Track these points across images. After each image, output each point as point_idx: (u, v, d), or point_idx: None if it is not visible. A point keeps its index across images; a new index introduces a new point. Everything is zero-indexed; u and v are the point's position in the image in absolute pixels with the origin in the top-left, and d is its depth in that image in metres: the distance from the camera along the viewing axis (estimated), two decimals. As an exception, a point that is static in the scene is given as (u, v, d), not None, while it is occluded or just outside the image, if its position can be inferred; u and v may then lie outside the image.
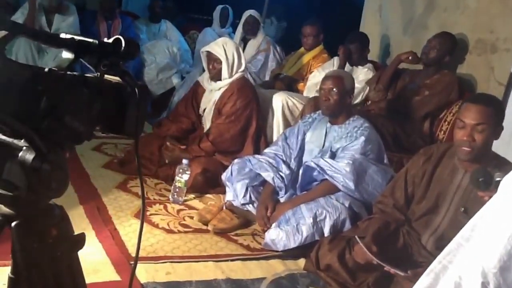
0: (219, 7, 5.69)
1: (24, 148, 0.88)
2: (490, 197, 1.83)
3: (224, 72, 3.60)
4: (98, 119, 0.98)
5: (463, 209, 2.24)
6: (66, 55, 0.94)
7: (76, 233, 1.05)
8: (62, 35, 0.95)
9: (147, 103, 1.05)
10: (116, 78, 1.00)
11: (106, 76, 0.99)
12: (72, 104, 0.92)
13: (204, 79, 3.79)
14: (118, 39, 0.96)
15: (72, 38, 0.95)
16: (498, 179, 1.83)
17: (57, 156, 0.91)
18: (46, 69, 0.90)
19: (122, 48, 0.97)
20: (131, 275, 1.79)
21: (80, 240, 1.03)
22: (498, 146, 2.28)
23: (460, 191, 2.29)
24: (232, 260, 2.60)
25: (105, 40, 0.98)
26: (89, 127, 0.96)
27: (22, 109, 0.88)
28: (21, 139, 0.89)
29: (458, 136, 2.22)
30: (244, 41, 5.14)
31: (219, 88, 3.65)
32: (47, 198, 0.96)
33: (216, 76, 3.65)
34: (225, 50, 3.58)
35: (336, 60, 4.41)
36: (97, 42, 0.96)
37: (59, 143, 0.92)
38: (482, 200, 1.88)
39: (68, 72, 0.93)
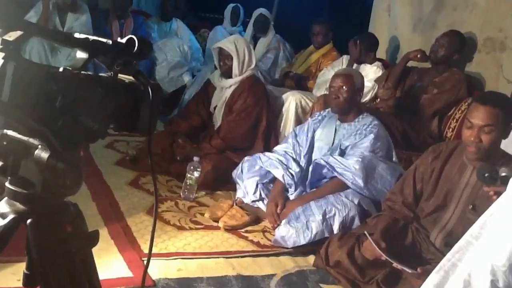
0: (230, 6, 5.71)
1: (40, 146, 0.90)
2: (496, 192, 1.86)
3: (235, 69, 3.62)
4: (112, 118, 1.00)
5: (471, 206, 2.25)
6: (80, 55, 0.96)
7: (89, 230, 1.06)
8: (77, 35, 0.96)
9: (160, 102, 1.06)
10: (129, 77, 1.02)
11: (119, 75, 1.00)
12: (87, 103, 0.93)
13: (215, 77, 3.81)
14: (131, 38, 0.98)
15: (87, 38, 0.96)
16: (503, 174, 1.86)
17: (71, 155, 0.93)
18: (61, 69, 0.91)
19: (136, 48, 0.98)
20: (144, 271, 1.81)
21: (94, 237, 1.05)
22: (507, 144, 2.28)
23: (469, 188, 2.30)
24: (242, 257, 2.62)
25: (119, 39, 0.99)
26: (103, 126, 0.98)
27: (38, 109, 0.89)
28: (37, 138, 0.91)
29: (465, 136, 2.23)
30: (254, 39, 5.16)
31: (230, 86, 3.67)
32: (62, 195, 0.97)
33: (227, 73, 3.67)
34: (236, 47, 3.60)
35: (345, 59, 4.42)
36: (111, 42, 0.98)
37: (74, 142, 0.94)
38: (490, 197, 1.89)
39: (83, 72, 0.95)
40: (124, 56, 0.98)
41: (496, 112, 2.16)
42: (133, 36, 0.98)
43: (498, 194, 1.54)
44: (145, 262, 2.34)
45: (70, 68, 0.92)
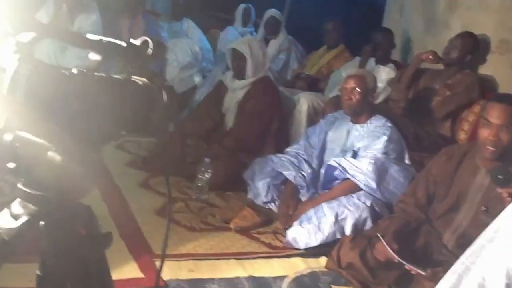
0: (241, 6, 5.71)
1: (53, 148, 0.90)
2: (509, 193, 1.85)
3: (249, 70, 3.61)
4: (126, 120, 0.99)
5: (484, 208, 2.24)
6: (94, 56, 0.96)
7: (101, 231, 1.06)
8: (90, 36, 0.97)
9: (174, 105, 1.06)
10: (143, 79, 1.02)
11: (133, 77, 1.00)
12: (101, 105, 0.93)
13: (228, 78, 3.81)
14: (146, 40, 0.98)
15: (101, 39, 0.97)
16: None
17: (85, 157, 0.93)
18: (75, 71, 0.92)
19: (150, 50, 0.98)
20: (157, 272, 1.82)
21: (107, 239, 1.05)
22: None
23: (482, 190, 2.29)
24: (254, 258, 2.62)
25: (133, 41, 0.99)
26: (117, 128, 0.98)
27: (52, 111, 0.90)
28: (50, 140, 0.91)
29: (483, 135, 2.21)
30: (266, 40, 5.15)
31: (243, 87, 3.67)
32: (75, 197, 0.98)
33: (240, 74, 3.67)
34: (250, 48, 3.59)
35: (358, 60, 4.41)
36: (125, 44, 0.98)
37: (88, 144, 0.94)
38: (503, 199, 1.88)
39: (96, 73, 0.95)
40: (139, 58, 0.99)
41: None
42: (148, 38, 0.98)
43: (511, 195, 1.53)
44: (156, 263, 2.35)
45: (84, 70, 0.93)
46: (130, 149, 3.88)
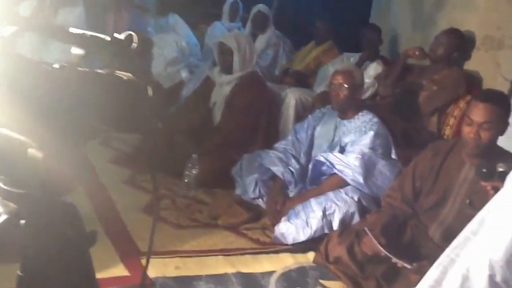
0: (228, 1, 5.68)
1: (35, 145, 0.88)
2: (493, 187, 1.88)
3: (236, 65, 3.60)
4: (110, 116, 0.97)
5: (468, 201, 2.27)
6: (76, 50, 0.94)
7: (86, 229, 1.04)
8: (73, 30, 0.95)
9: (160, 100, 1.04)
10: (128, 74, 1.00)
11: (117, 72, 0.99)
12: (84, 101, 0.92)
13: (215, 73, 3.79)
14: (130, 35, 0.96)
15: (83, 33, 0.95)
16: (500, 169, 1.89)
17: (67, 153, 0.91)
18: (57, 65, 0.90)
19: (135, 44, 0.97)
20: (143, 270, 1.80)
21: (91, 238, 1.03)
22: (503, 141, 2.30)
23: (466, 184, 2.32)
24: (242, 254, 2.62)
25: (117, 35, 0.98)
26: (101, 124, 0.96)
27: (34, 106, 0.88)
28: (32, 136, 0.89)
29: (465, 133, 2.27)
30: (253, 36, 5.13)
31: (230, 82, 3.65)
32: (58, 195, 0.96)
33: (227, 69, 3.65)
34: (237, 42, 3.58)
35: (346, 56, 4.42)
36: (109, 38, 0.96)
37: (70, 140, 0.93)
38: (487, 193, 1.91)
39: (79, 68, 0.93)
40: (123, 53, 0.97)
41: (495, 109, 2.21)
42: (132, 32, 0.97)
43: (495, 189, 1.55)
44: (142, 261, 2.34)
45: (66, 65, 0.91)
46: (115, 146, 3.82)
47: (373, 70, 4.13)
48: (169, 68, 5.01)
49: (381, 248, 2.26)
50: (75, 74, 0.92)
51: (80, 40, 0.95)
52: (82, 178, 0.94)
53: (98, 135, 0.98)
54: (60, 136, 0.91)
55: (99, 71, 0.98)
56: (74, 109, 0.91)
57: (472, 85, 3.58)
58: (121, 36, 0.96)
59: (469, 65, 3.79)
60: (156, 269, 2.33)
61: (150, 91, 0.96)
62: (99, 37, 0.96)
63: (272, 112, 3.81)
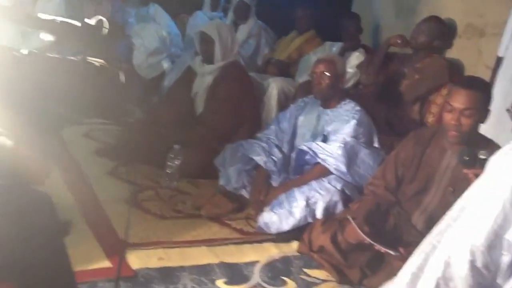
0: (210, -10, 5.62)
1: (4, 133, 0.87)
2: (475, 173, 1.88)
3: (217, 55, 3.57)
4: (82, 103, 0.96)
5: (451, 188, 2.28)
6: (47, 37, 0.92)
7: (67, 220, 1.03)
8: (43, 16, 0.93)
9: (135, 86, 1.02)
10: (100, 61, 0.99)
11: (89, 58, 0.97)
12: (54, 88, 0.90)
13: (196, 63, 3.76)
14: (100, 20, 0.95)
15: (53, 19, 0.93)
16: (482, 157, 1.89)
17: (39, 142, 0.89)
18: (26, 52, 0.88)
19: (106, 30, 0.95)
20: (119, 260, 1.78)
21: (65, 227, 1.02)
22: (485, 128, 2.31)
23: (449, 172, 2.32)
24: (225, 244, 2.61)
25: (87, 21, 0.96)
26: (73, 111, 0.94)
27: (4, 94, 0.86)
28: (1, 124, 0.87)
29: (446, 119, 2.26)
30: (235, 25, 5.10)
31: (212, 72, 3.62)
32: (30, 184, 0.94)
33: (208, 59, 3.62)
34: (219, 32, 3.55)
35: (328, 45, 4.41)
36: (79, 23, 0.95)
37: (41, 128, 0.91)
38: (469, 180, 1.91)
39: (49, 55, 0.91)
40: (94, 38, 0.95)
41: (477, 96, 2.20)
42: (102, 18, 0.95)
43: (477, 176, 1.56)
44: (126, 252, 2.32)
45: (36, 51, 0.89)
46: (98, 137, 3.80)
47: (355, 59, 4.13)
48: (151, 59, 4.97)
49: (365, 236, 2.26)
50: (45, 60, 0.90)
51: (50, 26, 0.93)
52: (54, 166, 0.92)
53: (71, 123, 0.96)
54: (31, 124, 0.88)
55: (70, 57, 0.96)
56: (45, 97, 0.89)
57: (454, 73, 3.59)
58: (92, 22, 0.94)
59: (450, 53, 3.80)
60: (139, 260, 2.32)
61: (122, 77, 0.94)
62: (69, 22, 0.94)
63: (255, 102, 3.79)
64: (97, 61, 0.98)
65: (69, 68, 0.94)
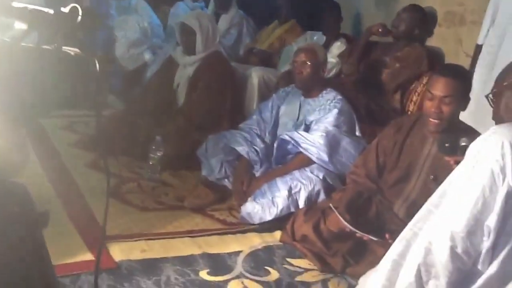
0: (191, -19, 5.57)
1: None
2: (456, 161, 1.90)
3: (199, 45, 3.54)
4: (57, 93, 0.94)
5: (432, 176, 2.29)
6: (19, 25, 0.90)
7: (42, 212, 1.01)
8: (15, 4, 0.90)
9: (117, 78, 1.01)
10: (75, 50, 0.97)
11: (64, 47, 0.95)
12: (28, 78, 0.88)
13: (178, 54, 3.72)
14: (74, 7, 0.93)
15: (26, 7, 0.91)
16: (463, 144, 1.90)
17: (12, 132, 0.87)
18: (-2, 40, 0.86)
19: (80, 17, 0.93)
20: (97, 252, 1.76)
21: (43, 218, 1.00)
22: (465, 116, 2.33)
23: (430, 159, 2.33)
24: (208, 235, 2.60)
25: (62, 9, 0.94)
26: (46, 102, 0.92)
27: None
28: None
29: (426, 107, 2.27)
30: (216, 16, 5.06)
31: (193, 63, 3.59)
32: (5, 175, 0.92)
33: (189, 50, 3.59)
34: (199, 22, 3.51)
35: (309, 35, 4.40)
36: (52, 11, 0.92)
37: (15, 118, 0.89)
38: (450, 167, 1.92)
39: (22, 44, 0.89)
40: (68, 27, 0.93)
41: (456, 84, 2.21)
42: (76, 5, 0.93)
43: (458, 163, 1.56)
44: (107, 245, 2.30)
45: (7, 39, 0.87)
46: (77, 129, 3.77)
47: (336, 49, 4.13)
48: (132, 50, 4.92)
49: (347, 224, 2.27)
50: (18, 49, 0.88)
51: (22, 14, 0.91)
52: (26, 158, 0.90)
53: (44, 114, 0.94)
54: (4, 115, 0.86)
55: (45, 46, 0.94)
56: (18, 87, 0.87)
57: (434, 62, 3.62)
58: (66, 9, 0.92)
59: (431, 42, 3.83)
60: (121, 252, 2.31)
61: (98, 66, 0.93)
62: (42, 10, 0.92)
63: (236, 92, 3.77)
64: (72, 50, 0.96)
65: (43, 57, 0.91)
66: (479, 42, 3.07)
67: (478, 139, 1.36)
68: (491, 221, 1.26)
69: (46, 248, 1.02)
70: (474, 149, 1.33)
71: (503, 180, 1.25)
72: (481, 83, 2.76)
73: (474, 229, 1.28)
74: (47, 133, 3.48)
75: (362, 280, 1.85)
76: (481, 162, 1.29)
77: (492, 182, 1.26)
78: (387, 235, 2.19)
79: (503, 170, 1.25)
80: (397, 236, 1.52)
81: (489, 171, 1.26)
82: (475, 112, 2.54)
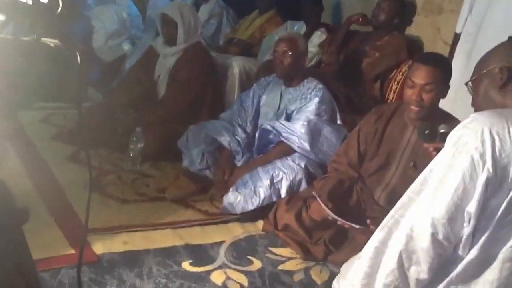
0: (170, -30, 5.51)
1: None
2: (435, 148, 1.92)
3: (180, 37, 3.50)
4: (37, 86, 0.93)
5: (412, 163, 2.31)
6: None
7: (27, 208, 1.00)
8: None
9: (91, 67, 0.99)
10: (55, 41, 0.95)
11: (43, 39, 0.93)
12: (5, 71, 0.86)
13: (158, 44, 3.68)
14: (54, -2, 0.91)
15: (3, -3, 0.89)
16: (442, 130, 1.92)
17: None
18: (-26, 32, 0.84)
19: (60, 8, 0.91)
20: (80, 246, 1.75)
21: (23, 214, 0.98)
22: (444, 103, 2.35)
23: (410, 147, 2.36)
24: (190, 226, 2.60)
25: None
26: (26, 95, 0.91)
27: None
28: None
29: (407, 95, 2.28)
30: (196, 6, 5.02)
31: (174, 54, 3.56)
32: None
33: (171, 41, 3.55)
34: (181, 13, 3.48)
35: (289, 24, 4.39)
36: (31, 2, 0.90)
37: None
38: (430, 155, 1.94)
39: (0, 35, 0.87)
40: (47, 17, 0.91)
41: (437, 71, 2.22)
42: (55, -5, 0.91)
43: (438, 150, 1.58)
44: (87, 238, 2.28)
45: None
46: (56, 122, 3.71)
47: (317, 38, 4.13)
48: (111, 41, 4.85)
49: (329, 212, 2.29)
50: (-4, 41, 0.86)
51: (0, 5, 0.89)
52: (6, 152, 0.88)
53: (24, 107, 0.92)
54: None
55: (23, 38, 0.92)
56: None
57: (413, 50, 3.65)
58: (44, 0, 0.90)
59: (410, 31, 3.86)
60: (103, 245, 2.30)
61: (78, 58, 0.91)
62: (20, 1, 0.89)
63: (217, 82, 3.75)
64: (51, 42, 0.94)
65: (22, 49, 0.89)
66: (458, 31, 3.11)
67: (457, 127, 1.37)
68: (472, 207, 1.27)
69: (27, 243, 1.00)
70: (454, 136, 1.34)
71: (483, 167, 1.26)
72: (460, 70, 2.79)
73: (454, 216, 1.30)
74: (24, 127, 3.42)
75: (344, 267, 1.86)
76: (461, 150, 1.30)
77: (472, 169, 1.27)
78: (368, 221, 2.21)
79: (482, 157, 1.26)
80: (379, 223, 1.54)
81: (469, 158, 1.27)
82: (455, 99, 2.56)
